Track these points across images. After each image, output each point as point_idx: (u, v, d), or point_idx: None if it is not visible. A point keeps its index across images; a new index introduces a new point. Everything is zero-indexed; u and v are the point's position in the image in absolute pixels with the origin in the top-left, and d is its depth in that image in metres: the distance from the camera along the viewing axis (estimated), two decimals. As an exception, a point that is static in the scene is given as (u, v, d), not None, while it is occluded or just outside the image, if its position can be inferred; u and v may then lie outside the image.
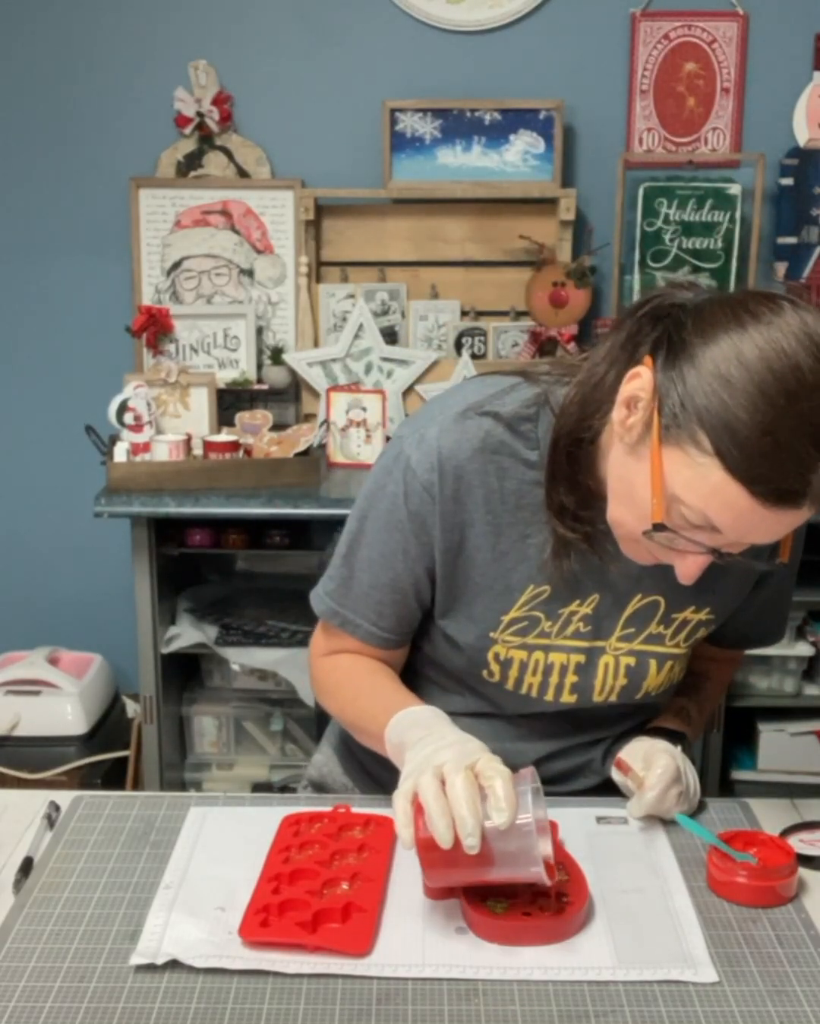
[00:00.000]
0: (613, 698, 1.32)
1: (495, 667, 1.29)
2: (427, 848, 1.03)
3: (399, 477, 1.24)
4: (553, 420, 1.20)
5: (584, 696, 1.31)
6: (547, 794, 1.35)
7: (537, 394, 1.23)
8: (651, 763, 1.24)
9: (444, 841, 1.01)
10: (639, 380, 1.07)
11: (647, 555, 1.16)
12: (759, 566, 1.16)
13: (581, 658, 1.29)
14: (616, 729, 1.39)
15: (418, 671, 1.38)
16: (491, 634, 1.28)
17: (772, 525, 1.05)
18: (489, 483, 1.23)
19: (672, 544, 1.09)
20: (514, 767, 1.37)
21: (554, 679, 1.30)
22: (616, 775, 1.29)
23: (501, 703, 1.33)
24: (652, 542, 1.10)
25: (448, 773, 1.05)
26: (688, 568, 1.11)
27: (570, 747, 1.37)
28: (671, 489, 1.05)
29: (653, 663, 1.31)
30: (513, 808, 1.02)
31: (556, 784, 1.38)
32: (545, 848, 1.07)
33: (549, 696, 1.31)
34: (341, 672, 1.34)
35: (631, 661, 1.30)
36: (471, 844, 1.00)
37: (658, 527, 1.07)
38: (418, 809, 1.04)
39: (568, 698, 1.31)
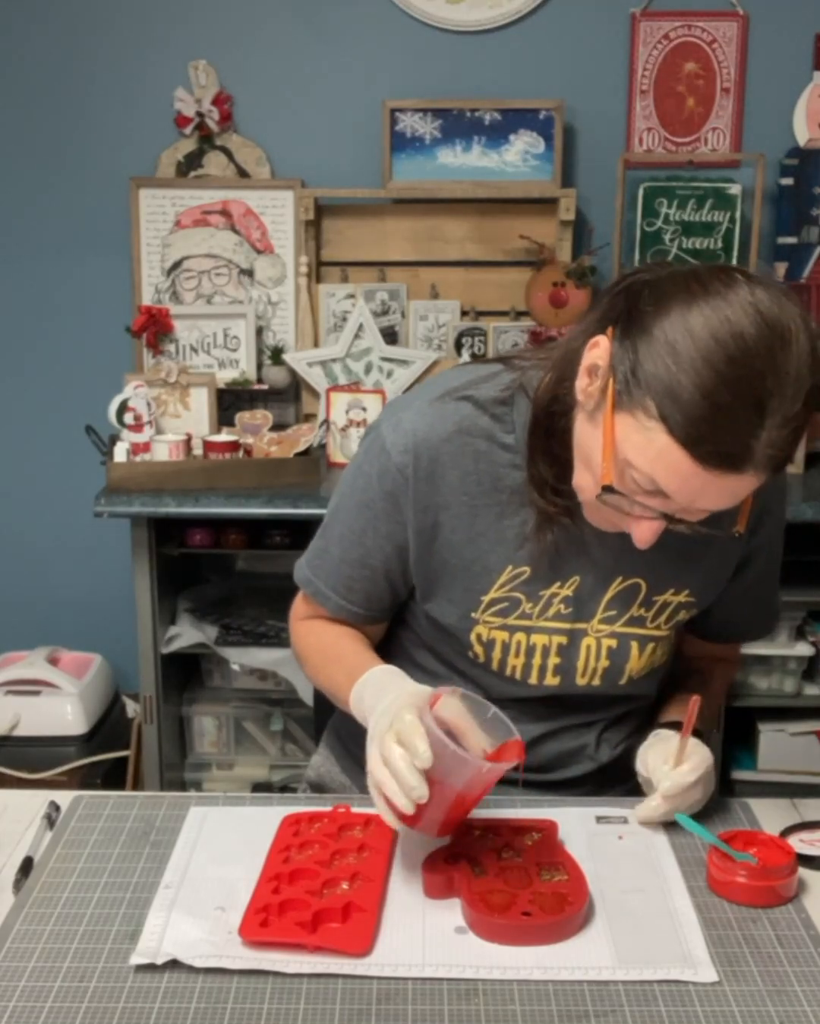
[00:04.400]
0: (596, 681, 1.34)
1: (478, 649, 1.32)
2: (400, 816, 1.11)
3: (375, 458, 1.28)
4: (529, 403, 1.23)
5: (567, 678, 1.33)
6: (545, 782, 1.37)
7: (513, 379, 1.26)
8: (688, 754, 1.23)
9: (406, 809, 1.09)
10: (598, 349, 1.10)
11: (607, 522, 1.20)
12: (714, 534, 1.17)
13: (563, 640, 1.31)
14: (605, 713, 1.40)
15: (410, 658, 1.40)
16: (472, 614, 1.30)
17: (718, 490, 1.07)
18: (464, 465, 1.26)
19: (626, 508, 1.13)
20: None
21: (536, 661, 1.32)
22: (640, 767, 1.29)
23: (488, 687, 1.35)
24: (607, 507, 1.14)
25: (383, 750, 1.10)
26: (643, 533, 1.14)
27: (561, 730, 1.38)
28: (623, 454, 1.09)
29: (635, 645, 1.33)
30: (429, 753, 1.07)
31: (552, 771, 1.39)
32: (479, 746, 1.15)
33: (533, 679, 1.33)
34: (314, 637, 1.40)
35: (613, 643, 1.32)
36: (418, 795, 1.07)
37: (608, 489, 1.11)
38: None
39: (551, 680, 1.33)
